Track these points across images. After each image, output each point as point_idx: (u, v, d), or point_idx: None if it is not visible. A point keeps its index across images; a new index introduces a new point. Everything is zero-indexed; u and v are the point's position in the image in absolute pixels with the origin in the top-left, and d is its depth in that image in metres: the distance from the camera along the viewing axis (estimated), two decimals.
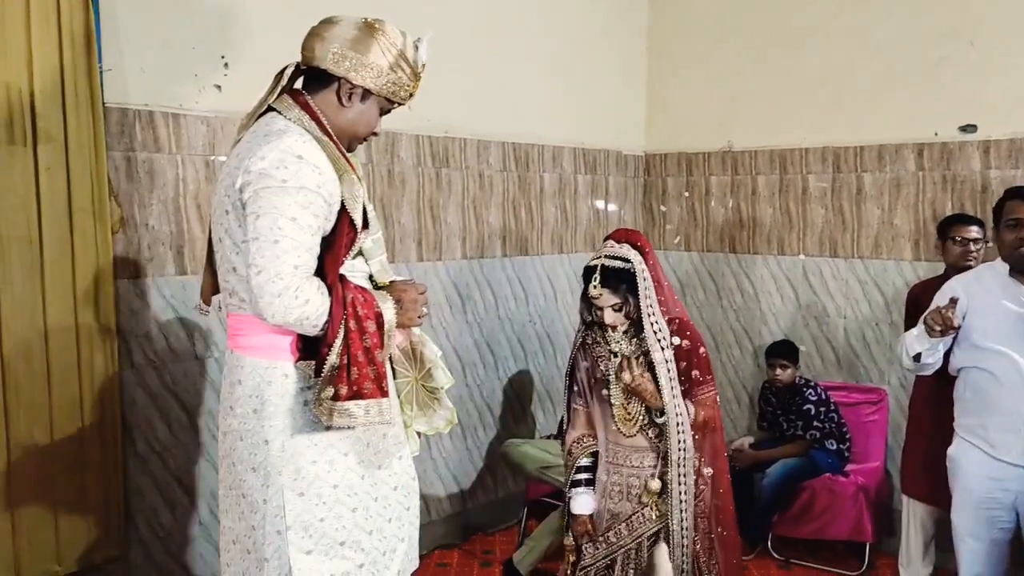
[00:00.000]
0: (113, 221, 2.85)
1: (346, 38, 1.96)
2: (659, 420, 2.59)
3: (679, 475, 2.58)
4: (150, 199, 3.01)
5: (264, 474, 1.96)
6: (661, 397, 2.55)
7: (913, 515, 3.58)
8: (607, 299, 2.61)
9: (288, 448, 1.95)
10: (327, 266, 1.92)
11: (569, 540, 2.79)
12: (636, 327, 2.65)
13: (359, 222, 1.97)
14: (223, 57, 3.17)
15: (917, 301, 3.58)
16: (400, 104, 2.09)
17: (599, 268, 2.62)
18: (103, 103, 2.81)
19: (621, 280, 2.60)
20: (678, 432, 2.57)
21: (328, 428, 1.93)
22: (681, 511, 2.59)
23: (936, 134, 4.05)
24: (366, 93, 2.00)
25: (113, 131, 2.89)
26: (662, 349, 2.58)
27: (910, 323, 3.69)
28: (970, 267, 3.27)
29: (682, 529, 2.60)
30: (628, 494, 2.69)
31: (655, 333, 2.58)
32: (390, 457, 2.10)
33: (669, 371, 2.57)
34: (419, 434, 2.23)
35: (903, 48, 4.10)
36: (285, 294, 1.82)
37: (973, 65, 3.92)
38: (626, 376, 2.57)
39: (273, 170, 1.86)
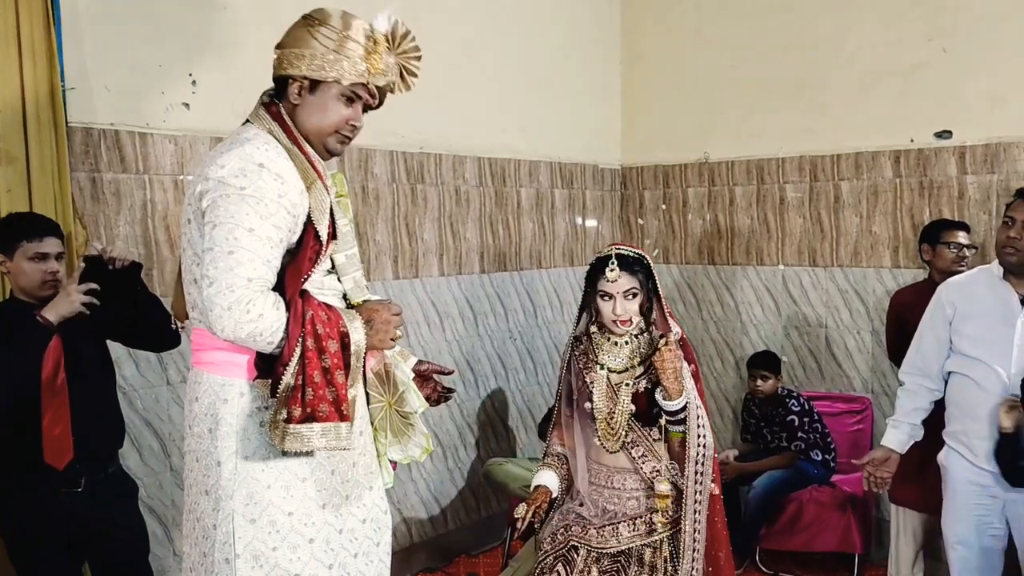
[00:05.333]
0: (78, 244, 2.77)
1: (286, 37, 1.91)
2: (669, 406, 2.43)
3: (696, 472, 2.45)
4: (117, 221, 2.94)
5: (215, 498, 1.86)
6: (682, 380, 2.42)
7: (903, 524, 3.55)
8: (624, 283, 2.48)
9: (241, 471, 1.85)
10: (287, 280, 1.82)
11: (520, 511, 2.54)
12: (637, 336, 2.58)
13: (324, 235, 1.87)
14: (191, 75, 3.11)
15: (902, 308, 3.58)
16: (366, 85, 1.90)
17: (614, 254, 2.51)
18: (66, 123, 2.75)
19: (637, 267, 2.51)
20: (698, 427, 2.46)
21: (284, 453, 1.82)
22: (695, 511, 2.45)
23: (912, 140, 4.06)
24: (313, 84, 1.89)
25: (77, 151, 2.82)
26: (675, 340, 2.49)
27: (893, 330, 3.69)
28: (961, 271, 3.26)
29: (694, 532, 2.45)
30: (606, 514, 2.58)
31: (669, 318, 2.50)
32: (359, 488, 1.99)
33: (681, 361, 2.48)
34: (393, 465, 2.13)
35: (877, 56, 4.11)
36: (236, 307, 1.73)
37: (946, 71, 3.93)
38: (665, 350, 2.40)
39: (232, 178, 1.77)
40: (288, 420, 1.77)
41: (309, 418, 1.78)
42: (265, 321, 1.75)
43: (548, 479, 2.67)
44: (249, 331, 1.74)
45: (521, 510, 2.55)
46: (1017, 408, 2.60)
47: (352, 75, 1.89)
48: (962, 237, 3.54)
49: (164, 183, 3.06)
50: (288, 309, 1.79)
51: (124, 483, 2.72)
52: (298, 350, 1.78)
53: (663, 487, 2.49)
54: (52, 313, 2.38)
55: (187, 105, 3.10)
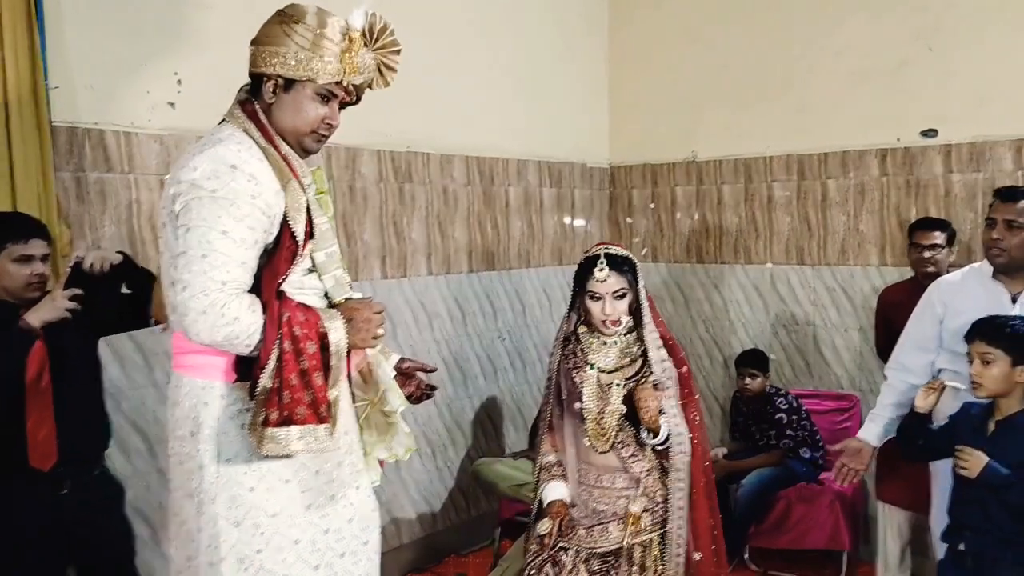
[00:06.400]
0: (62, 244, 2.75)
1: (260, 33, 1.88)
2: (649, 441, 2.48)
3: (677, 480, 2.49)
4: (102, 221, 2.92)
5: (198, 501, 1.85)
6: (661, 412, 2.44)
7: (889, 521, 3.56)
8: (613, 283, 2.49)
9: (223, 474, 1.84)
10: (264, 281, 1.81)
11: (545, 526, 2.54)
12: (627, 336, 2.58)
13: (300, 235, 1.85)
14: (176, 74, 3.08)
15: (887, 307, 3.59)
16: (342, 83, 1.87)
17: (603, 254, 2.51)
18: (50, 122, 2.72)
19: (626, 267, 2.52)
20: (678, 444, 2.49)
21: (265, 456, 1.81)
22: (679, 517, 2.49)
23: (898, 139, 4.07)
24: (288, 83, 1.86)
25: (61, 151, 2.80)
26: (658, 348, 2.51)
27: (880, 328, 3.71)
28: (929, 272, 3.28)
29: (677, 538, 2.49)
30: (596, 515, 2.58)
31: (652, 333, 2.52)
32: (345, 487, 1.97)
33: (665, 370, 2.49)
34: (381, 463, 2.11)
35: (864, 55, 4.13)
36: (210, 311, 1.71)
37: (932, 70, 3.95)
38: (639, 389, 2.44)
39: (204, 180, 1.75)
40: (265, 423, 1.76)
41: (286, 421, 1.77)
42: (241, 324, 1.73)
43: (561, 491, 2.65)
44: (225, 335, 1.73)
45: (546, 526, 2.55)
46: (936, 393, 2.64)
47: (326, 74, 1.85)
48: (934, 237, 3.52)
49: (150, 183, 3.03)
50: (265, 311, 1.77)
51: (110, 485, 2.69)
52: (275, 352, 1.76)
53: (635, 507, 2.50)
54: (35, 317, 2.35)
55: (172, 104, 3.07)
